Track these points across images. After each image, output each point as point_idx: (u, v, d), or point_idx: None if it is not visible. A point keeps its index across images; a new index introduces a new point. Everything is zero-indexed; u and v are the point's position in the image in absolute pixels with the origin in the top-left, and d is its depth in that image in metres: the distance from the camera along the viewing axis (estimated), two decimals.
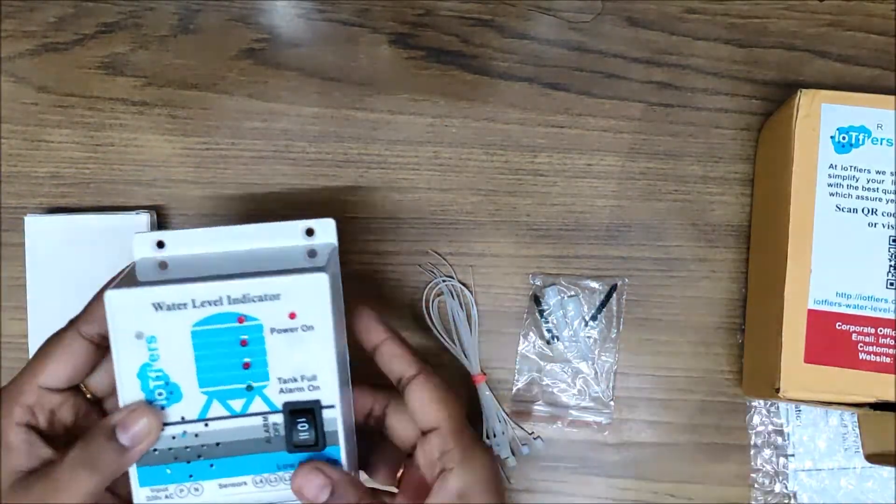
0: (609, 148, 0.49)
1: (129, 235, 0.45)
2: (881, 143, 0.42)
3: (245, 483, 0.34)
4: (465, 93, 0.49)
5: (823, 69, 0.49)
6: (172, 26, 0.49)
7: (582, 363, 0.48)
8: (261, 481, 0.34)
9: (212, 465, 0.33)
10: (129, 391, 0.32)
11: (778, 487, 0.47)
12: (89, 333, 0.33)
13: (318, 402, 0.33)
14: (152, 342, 0.32)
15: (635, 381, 0.48)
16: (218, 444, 0.33)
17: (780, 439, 0.47)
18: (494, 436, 0.47)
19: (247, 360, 0.32)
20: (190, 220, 0.48)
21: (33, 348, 0.46)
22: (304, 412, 0.33)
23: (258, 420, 0.33)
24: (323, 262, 0.33)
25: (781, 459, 0.47)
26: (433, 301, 0.47)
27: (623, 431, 0.48)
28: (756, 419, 0.47)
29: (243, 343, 0.32)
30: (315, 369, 0.33)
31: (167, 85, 0.49)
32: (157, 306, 0.31)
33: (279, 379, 0.33)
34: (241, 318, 0.32)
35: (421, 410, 0.34)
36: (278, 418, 0.33)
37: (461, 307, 0.47)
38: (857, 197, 0.41)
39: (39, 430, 0.33)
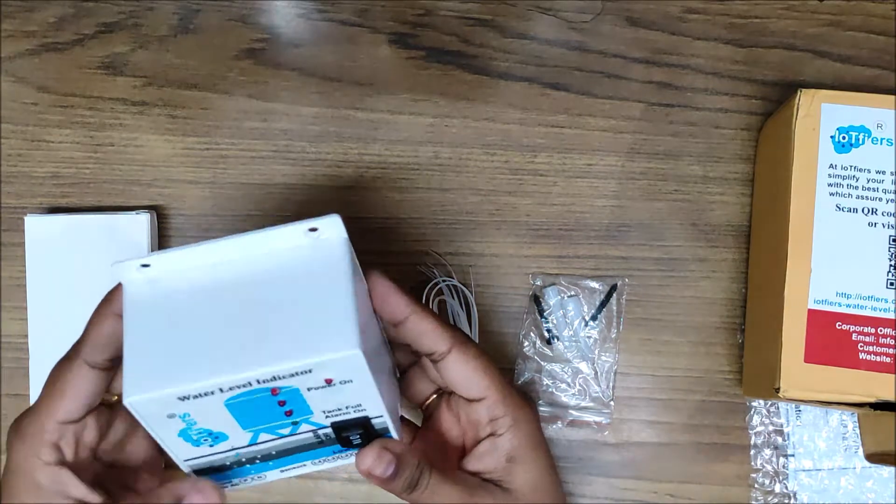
0: (609, 148, 0.49)
1: (130, 235, 0.46)
2: (881, 143, 0.42)
3: (305, 465, 0.34)
4: (465, 93, 0.49)
5: (823, 69, 0.49)
6: (172, 26, 0.49)
7: (582, 363, 0.48)
8: (319, 461, 0.34)
9: (270, 463, 0.34)
10: (174, 449, 0.31)
11: (778, 487, 0.47)
12: (96, 362, 0.33)
13: (366, 418, 0.32)
14: (186, 416, 0.30)
15: (635, 381, 0.48)
16: (273, 452, 0.33)
17: (780, 439, 0.47)
18: None
19: (288, 409, 0.31)
20: (190, 220, 0.48)
21: (33, 348, 0.46)
22: (354, 426, 0.32)
23: (308, 434, 0.32)
24: (354, 330, 0.29)
25: (781, 459, 0.47)
26: (433, 301, 0.47)
27: (623, 431, 0.48)
28: (756, 419, 0.47)
29: (281, 403, 0.30)
30: (358, 401, 0.31)
31: (167, 85, 0.49)
32: (184, 398, 0.29)
33: (324, 411, 0.31)
34: (274, 390, 0.29)
35: (464, 384, 0.34)
36: (329, 430, 0.32)
37: (461, 307, 0.47)
38: (857, 197, 0.41)
39: (68, 463, 0.33)
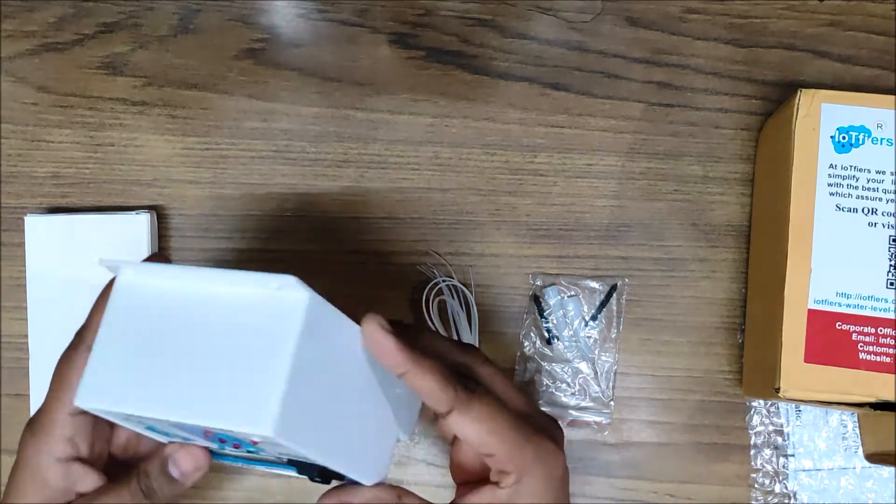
0: (609, 148, 0.49)
1: (130, 235, 0.46)
2: (881, 143, 0.42)
3: (287, 472, 0.34)
4: (465, 93, 0.49)
5: (823, 69, 0.49)
6: (172, 26, 0.49)
7: (582, 363, 0.48)
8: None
9: (253, 462, 0.33)
10: (150, 436, 0.32)
11: (778, 487, 0.47)
12: None
13: (320, 466, 0.31)
14: (143, 421, 0.30)
15: (635, 381, 0.48)
16: (249, 458, 0.33)
17: (780, 439, 0.47)
18: None
19: (234, 443, 0.30)
20: (190, 220, 0.48)
21: (33, 348, 0.46)
22: (310, 466, 0.31)
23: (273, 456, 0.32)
24: (275, 410, 0.27)
25: (781, 459, 0.47)
26: (433, 301, 0.47)
27: (623, 431, 0.48)
28: (756, 419, 0.47)
29: (221, 440, 0.30)
30: (302, 456, 0.30)
31: (167, 85, 0.49)
32: (127, 416, 0.30)
33: (273, 453, 0.31)
34: (207, 431, 0.29)
35: (471, 443, 0.32)
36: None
37: (461, 307, 0.47)
38: (857, 197, 0.41)
39: (83, 458, 0.33)
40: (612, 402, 0.47)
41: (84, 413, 0.32)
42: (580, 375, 0.47)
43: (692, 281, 0.48)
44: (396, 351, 0.30)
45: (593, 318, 0.48)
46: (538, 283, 0.48)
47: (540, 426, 0.33)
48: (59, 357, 0.33)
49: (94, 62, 0.49)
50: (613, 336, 0.48)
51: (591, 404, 0.47)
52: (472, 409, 0.31)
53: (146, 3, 0.49)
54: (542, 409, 0.47)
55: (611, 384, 0.47)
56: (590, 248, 0.48)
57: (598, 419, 0.47)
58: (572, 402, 0.47)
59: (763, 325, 0.44)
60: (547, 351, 0.48)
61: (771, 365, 0.41)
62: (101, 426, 0.33)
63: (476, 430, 0.31)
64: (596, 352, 0.48)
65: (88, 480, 0.33)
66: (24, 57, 0.49)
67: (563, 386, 0.48)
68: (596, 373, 0.47)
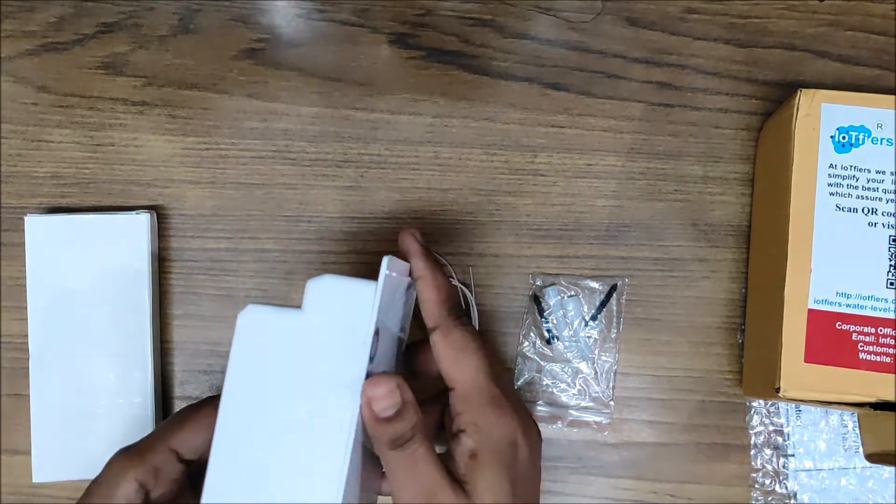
0: (609, 148, 0.49)
1: (130, 235, 0.46)
2: (881, 143, 0.42)
3: None
4: (465, 93, 0.49)
5: (823, 69, 0.49)
6: (172, 26, 0.49)
7: (582, 363, 0.47)
8: None
9: None
10: None
11: (778, 487, 0.47)
12: None
13: None
14: None
15: (635, 381, 0.48)
16: None
17: (780, 439, 0.47)
18: None
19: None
20: (190, 220, 0.48)
21: (33, 348, 0.46)
22: None
23: None
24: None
25: (781, 459, 0.47)
26: None
27: (623, 431, 0.48)
28: (756, 419, 0.47)
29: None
30: None
31: (167, 85, 0.49)
32: None
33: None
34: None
35: (441, 368, 0.34)
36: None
37: (461, 307, 0.47)
38: (857, 197, 0.41)
39: (149, 497, 0.33)
40: (612, 402, 0.47)
41: (178, 458, 0.33)
42: (580, 375, 0.47)
43: (692, 281, 0.48)
44: (423, 255, 0.35)
45: (593, 318, 0.48)
46: (538, 283, 0.48)
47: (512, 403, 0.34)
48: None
49: (94, 62, 0.49)
50: (613, 336, 0.48)
51: (591, 404, 0.47)
52: (452, 334, 0.34)
53: (146, 3, 0.49)
54: (542, 408, 0.47)
55: (611, 384, 0.47)
56: (590, 248, 0.48)
57: (598, 419, 0.47)
58: (572, 402, 0.47)
59: (763, 325, 0.44)
60: (547, 351, 0.48)
61: (771, 365, 0.41)
62: (175, 483, 0.34)
63: (447, 355, 0.34)
64: (596, 352, 0.48)
65: None
66: (24, 57, 0.49)
67: (563, 386, 0.48)
68: (596, 373, 0.47)
